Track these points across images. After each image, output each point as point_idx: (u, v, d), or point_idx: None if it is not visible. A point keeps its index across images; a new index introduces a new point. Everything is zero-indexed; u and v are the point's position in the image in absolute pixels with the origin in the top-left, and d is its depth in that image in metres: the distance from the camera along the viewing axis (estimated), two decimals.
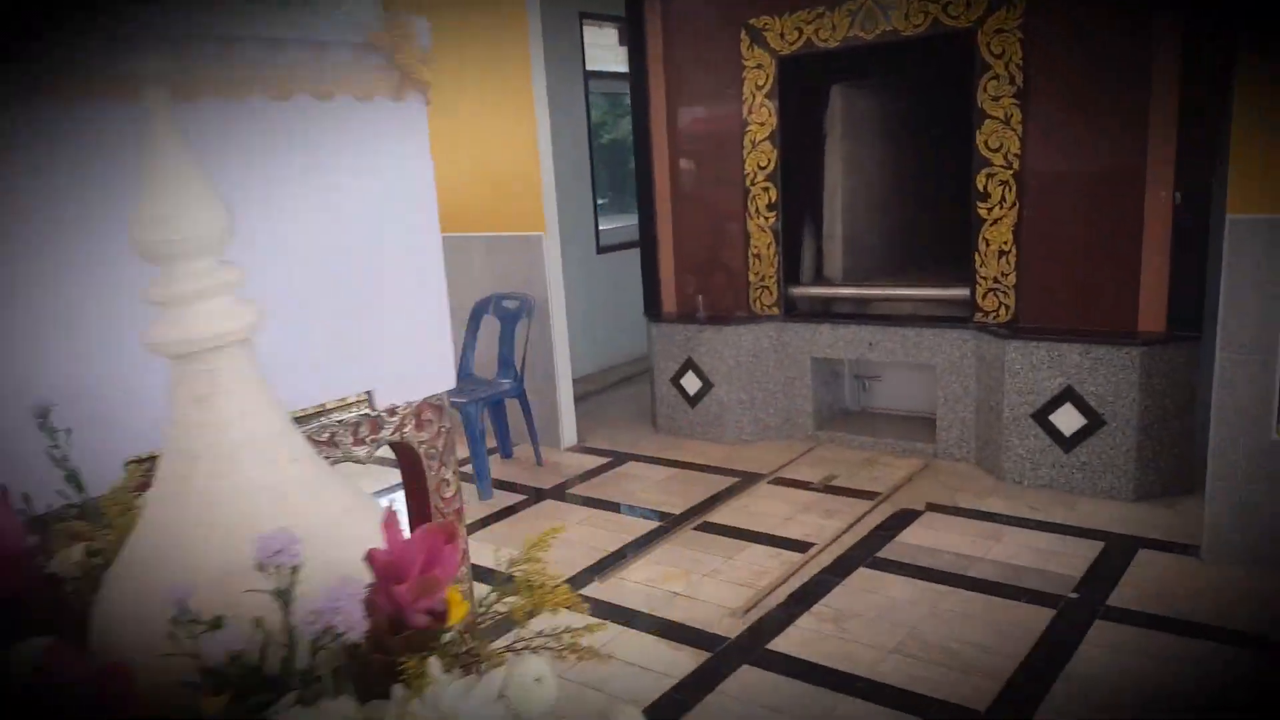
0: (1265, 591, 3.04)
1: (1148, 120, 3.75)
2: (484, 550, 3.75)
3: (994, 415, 4.26)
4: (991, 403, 4.28)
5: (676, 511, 4.14)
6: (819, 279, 5.21)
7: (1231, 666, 2.64)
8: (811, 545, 3.65)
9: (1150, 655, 2.73)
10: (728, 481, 4.48)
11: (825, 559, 3.54)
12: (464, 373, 4.75)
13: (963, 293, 4.42)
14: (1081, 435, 3.97)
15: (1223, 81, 3.30)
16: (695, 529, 3.93)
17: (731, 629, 3.01)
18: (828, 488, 4.33)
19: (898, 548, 3.61)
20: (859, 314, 4.97)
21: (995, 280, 4.26)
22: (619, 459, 4.97)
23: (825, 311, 5.15)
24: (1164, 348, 3.78)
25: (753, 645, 2.91)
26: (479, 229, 5.17)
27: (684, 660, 2.84)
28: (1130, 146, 3.81)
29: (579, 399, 6.10)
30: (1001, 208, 4.16)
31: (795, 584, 3.34)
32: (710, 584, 3.37)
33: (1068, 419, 4.00)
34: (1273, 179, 2.96)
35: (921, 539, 3.68)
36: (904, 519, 3.89)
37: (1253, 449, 3.14)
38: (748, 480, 4.49)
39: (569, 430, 5.20)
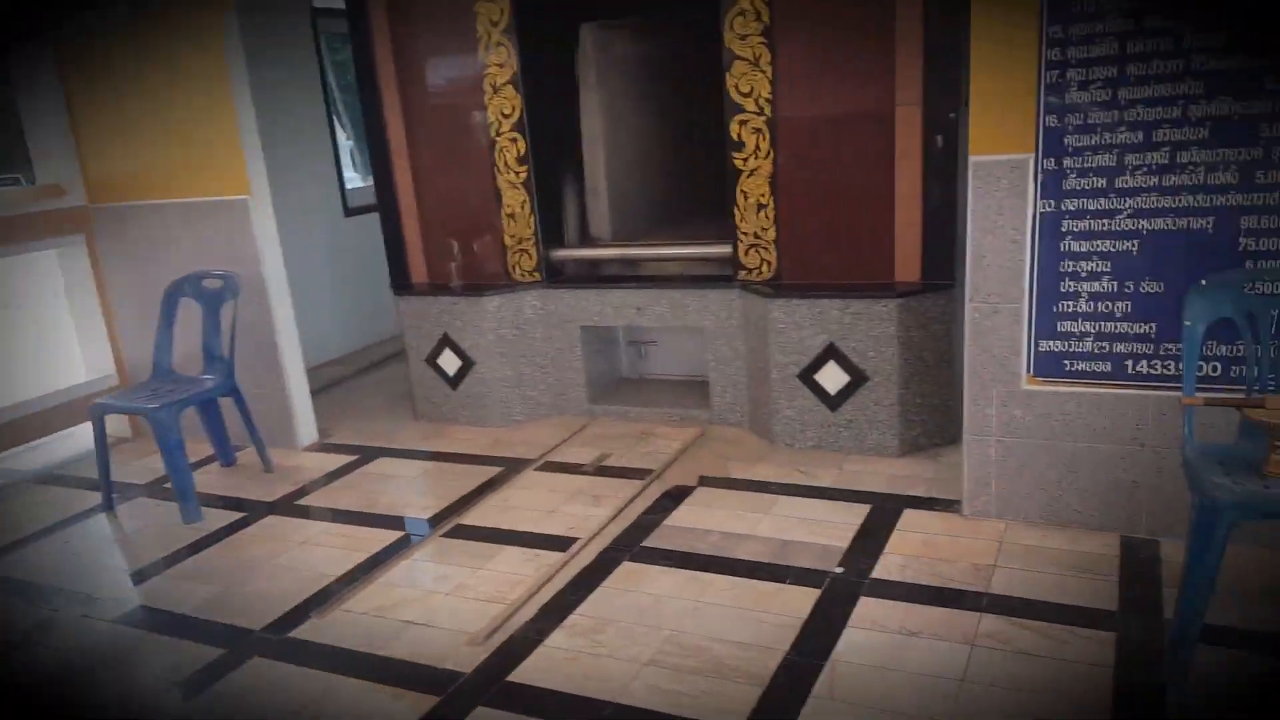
0: (1021, 548, 3.01)
1: (894, 62, 3.62)
2: (169, 592, 3.15)
3: (763, 377, 4.08)
4: (760, 364, 4.10)
5: (427, 515, 3.68)
6: (586, 240, 4.84)
7: (991, 636, 2.55)
8: (574, 541, 3.31)
9: (912, 632, 2.60)
10: (491, 472, 4.06)
11: (587, 556, 3.21)
12: (160, 370, 4.01)
13: (725, 250, 4.20)
14: (846, 393, 3.87)
15: (966, 20, 3.17)
16: (445, 535, 3.49)
17: (469, 661, 2.62)
18: (599, 469, 4.01)
19: (666, 533, 3.34)
20: (626, 276, 4.66)
21: (756, 236, 4.05)
22: (368, 455, 4.42)
23: (593, 275, 4.80)
24: (920, 298, 3.71)
25: (491, 680, 2.53)
26: (174, 194, 4.38)
27: (403, 713, 2.41)
28: (878, 89, 3.66)
29: (325, 387, 5.47)
30: (757, 157, 3.94)
31: (550, 592, 2.99)
32: (451, 605, 2.95)
33: (832, 377, 3.87)
34: (1013, 117, 2.85)
35: (691, 519, 3.43)
36: (675, 497, 3.64)
37: (1005, 399, 3.08)
38: (513, 469, 4.09)
39: (306, 426, 4.58)
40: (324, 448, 4.53)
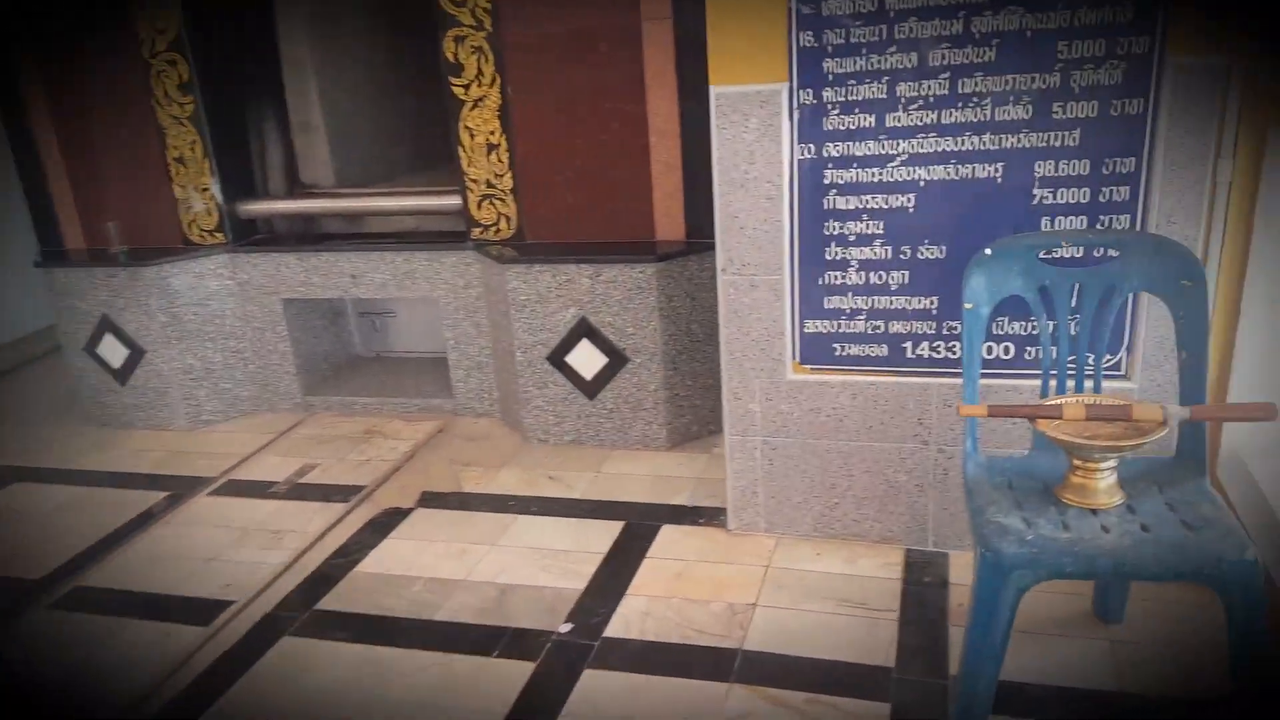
0: (790, 575, 2.49)
1: None
2: None
3: (508, 360, 3.38)
4: (504, 344, 3.39)
5: (34, 576, 2.78)
6: (297, 189, 3.93)
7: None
8: (226, 607, 2.54)
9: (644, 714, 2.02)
10: (150, 499, 3.19)
11: (237, 629, 2.44)
12: None
13: (455, 202, 3.42)
14: (604, 377, 3.23)
15: None
16: (55, 604, 2.62)
17: None
18: (294, 489, 3.22)
19: (355, 585, 2.62)
20: (342, 236, 3.81)
21: (489, 185, 3.30)
22: (2, 480, 3.43)
23: (307, 235, 3.92)
24: (683, 261, 3.08)
25: None
26: None
27: None
28: None
29: None
30: (480, 84, 3.16)
31: (172, 690, 2.22)
32: None
33: (587, 359, 3.22)
34: (761, 34, 2.22)
35: (394, 561, 2.72)
36: (382, 527, 2.91)
37: (769, 392, 2.52)
38: (181, 493, 3.23)
39: None
40: None
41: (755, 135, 2.28)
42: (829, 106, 2.20)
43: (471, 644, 2.32)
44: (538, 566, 2.64)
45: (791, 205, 2.32)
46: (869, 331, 2.39)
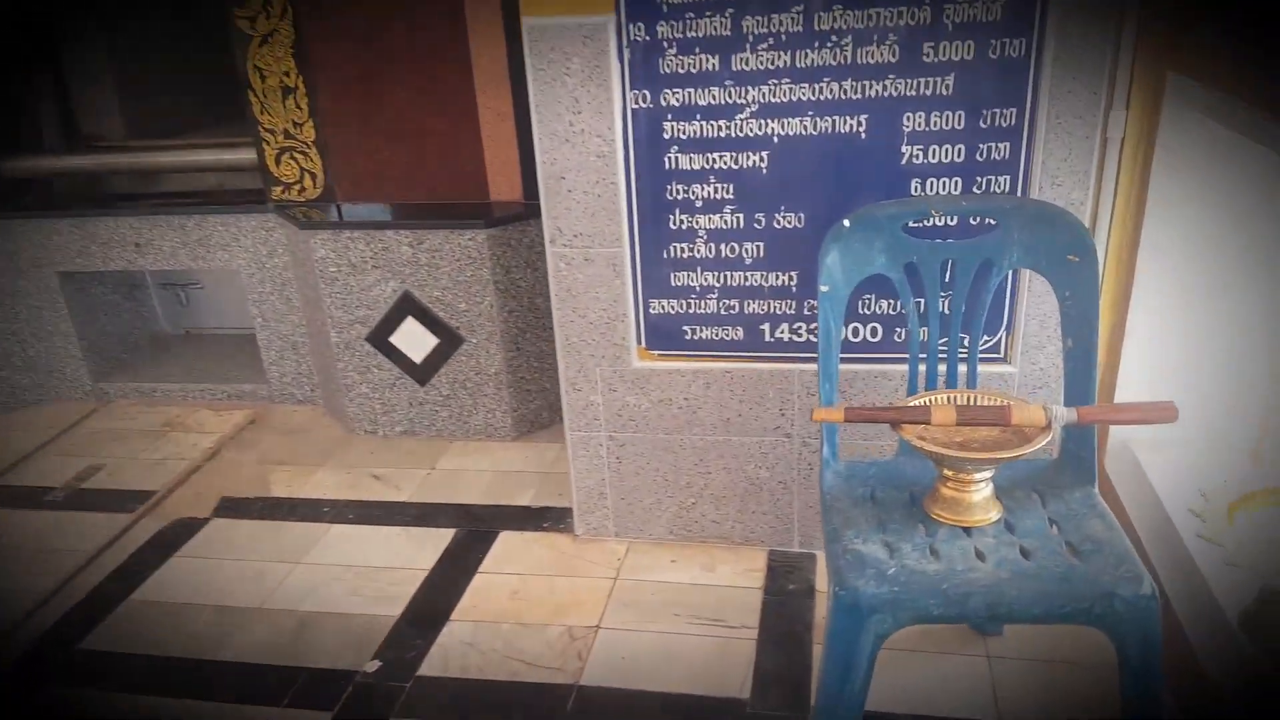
0: (640, 588, 2.20)
1: None
2: None
3: (324, 340, 2.95)
4: (318, 322, 2.96)
5: None
6: (74, 143, 3.35)
7: None
8: None
9: None
10: None
11: None
12: None
13: (250, 155, 2.93)
14: (436, 360, 2.84)
15: None
16: None
17: None
18: (75, 495, 2.75)
19: (127, 617, 2.20)
20: (121, 197, 3.27)
21: (287, 134, 2.82)
22: None
23: (89, 196, 3.35)
24: (522, 227, 2.70)
25: None
26: None
27: None
28: None
29: None
30: (270, 17, 2.67)
31: None
32: None
33: (414, 340, 2.83)
34: None
35: (178, 585, 2.31)
36: (167, 544, 2.49)
37: (613, 381, 2.20)
38: None
39: None
40: None
41: (579, 79, 1.90)
42: (665, 44, 1.85)
43: (259, 691, 1.95)
44: (349, 588, 2.27)
45: (628, 164, 1.97)
46: (722, 312, 2.09)
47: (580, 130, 1.95)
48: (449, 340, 2.80)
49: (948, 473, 1.52)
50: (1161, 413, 1.42)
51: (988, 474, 1.51)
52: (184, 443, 3.03)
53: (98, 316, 3.35)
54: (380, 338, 2.83)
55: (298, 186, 2.88)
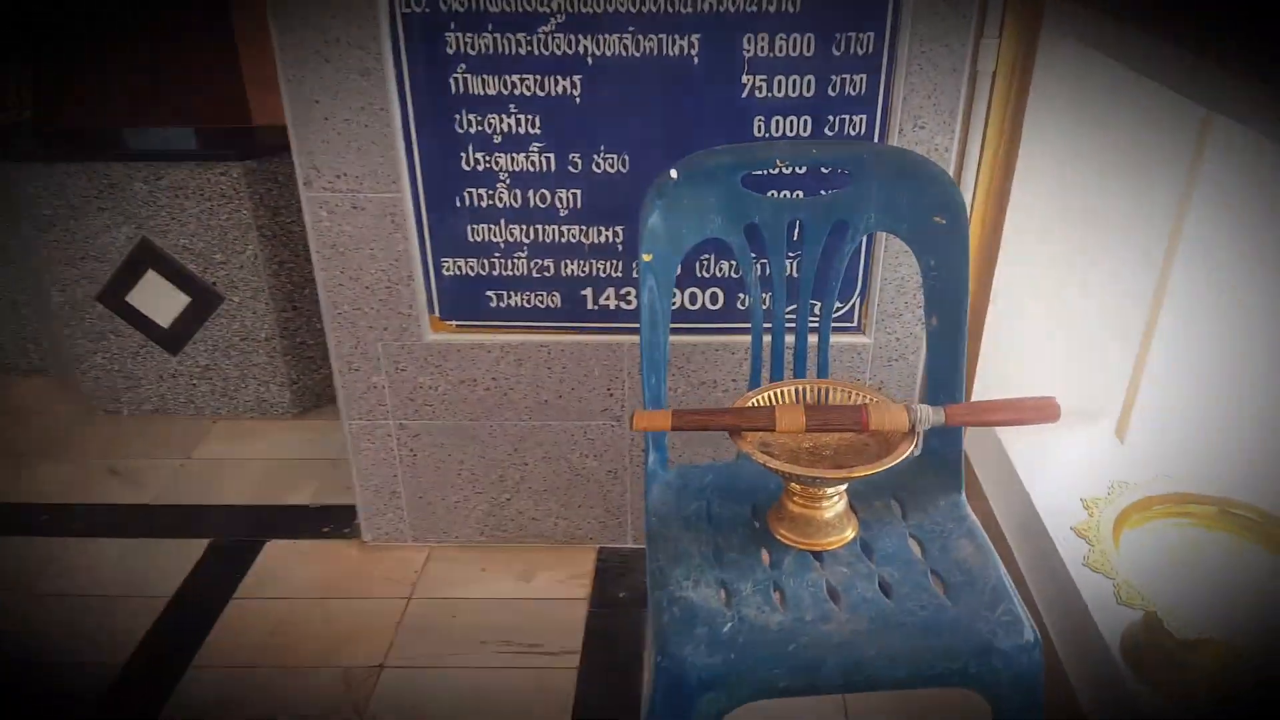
0: (440, 609, 1.86)
1: None
2: None
3: (45, 301, 2.38)
4: (36, 275, 2.38)
5: None
6: None
7: None
8: None
9: None
10: None
11: None
12: None
13: None
14: (189, 323, 2.35)
15: None
16: None
17: None
18: None
19: None
20: None
21: None
22: None
23: None
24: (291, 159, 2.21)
25: None
26: None
27: None
28: None
29: None
30: None
31: None
32: None
33: (159, 299, 2.31)
34: None
35: None
36: None
37: (400, 358, 1.80)
38: None
39: None
40: None
41: None
42: None
43: None
44: (63, 628, 1.81)
45: (401, 85, 1.55)
46: (534, 274, 1.72)
47: (337, 39, 1.51)
48: (203, 299, 2.30)
49: (795, 486, 1.25)
50: (1042, 411, 1.18)
51: (841, 488, 1.25)
52: None
53: None
54: (115, 296, 2.30)
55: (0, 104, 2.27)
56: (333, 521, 2.09)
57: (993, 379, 1.71)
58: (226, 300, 2.31)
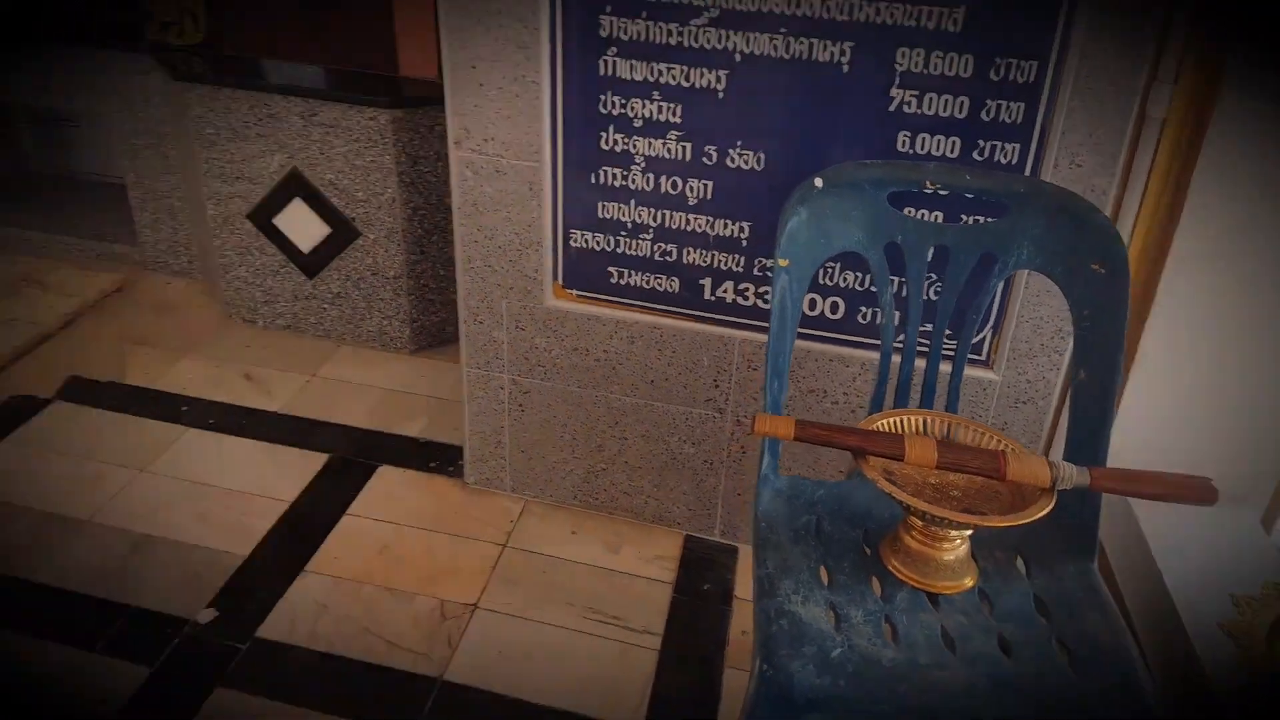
0: (529, 562, 1.87)
1: None
2: None
3: (199, 210, 2.45)
4: (193, 189, 2.45)
5: None
6: None
7: None
8: None
9: None
10: None
11: None
12: None
13: None
14: (327, 253, 2.38)
15: None
16: None
17: None
18: None
19: None
20: None
21: None
22: None
23: None
24: (435, 111, 2.19)
25: None
26: None
27: None
28: None
29: None
30: None
31: None
32: None
33: (302, 225, 2.35)
34: None
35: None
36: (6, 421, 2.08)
37: (521, 319, 1.79)
38: None
39: None
40: None
41: None
42: None
43: (72, 628, 1.62)
44: (195, 512, 1.90)
45: (554, 62, 1.50)
46: (657, 257, 1.68)
47: (497, 11, 1.46)
48: (342, 231, 2.33)
49: (916, 521, 1.18)
50: (1198, 492, 1.06)
51: (967, 533, 1.17)
52: (39, 303, 2.54)
53: None
54: (263, 218, 2.35)
55: (176, 28, 2.30)
56: (439, 458, 2.12)
57: (1121, 442, 1.59)
58: (363, 236, 2.33)
